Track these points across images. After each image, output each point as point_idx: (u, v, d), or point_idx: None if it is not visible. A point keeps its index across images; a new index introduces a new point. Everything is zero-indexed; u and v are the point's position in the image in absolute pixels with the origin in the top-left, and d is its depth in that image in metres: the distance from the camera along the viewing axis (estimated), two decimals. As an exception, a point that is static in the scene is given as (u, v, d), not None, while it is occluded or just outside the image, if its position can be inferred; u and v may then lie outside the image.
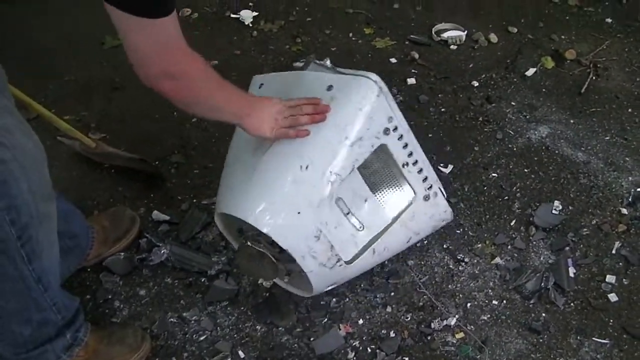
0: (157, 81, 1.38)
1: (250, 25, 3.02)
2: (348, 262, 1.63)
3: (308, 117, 1.55)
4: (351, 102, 1.55)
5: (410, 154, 1.65)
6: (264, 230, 1.52)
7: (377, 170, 1.67)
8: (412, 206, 1.71)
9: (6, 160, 1.27)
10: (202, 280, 1.90)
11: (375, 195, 1.66)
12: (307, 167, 1.53)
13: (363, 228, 1.64)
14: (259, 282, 1.71)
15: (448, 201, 1.86)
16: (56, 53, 2.82)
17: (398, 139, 1.61)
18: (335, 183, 1.54)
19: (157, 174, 2.23)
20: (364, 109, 1.54)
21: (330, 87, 1.60)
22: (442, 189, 1.79)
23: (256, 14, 3.08)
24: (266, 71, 2.71)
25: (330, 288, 1.73)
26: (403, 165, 1.65)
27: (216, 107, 1.52)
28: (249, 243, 1.58)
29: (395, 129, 1.60)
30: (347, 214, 1.60)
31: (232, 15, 3.08)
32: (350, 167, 1.55)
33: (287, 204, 1.53)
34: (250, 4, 3.15)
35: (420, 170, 1.69)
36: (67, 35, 2.94)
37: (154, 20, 1.27)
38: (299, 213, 1.52)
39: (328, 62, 1.73)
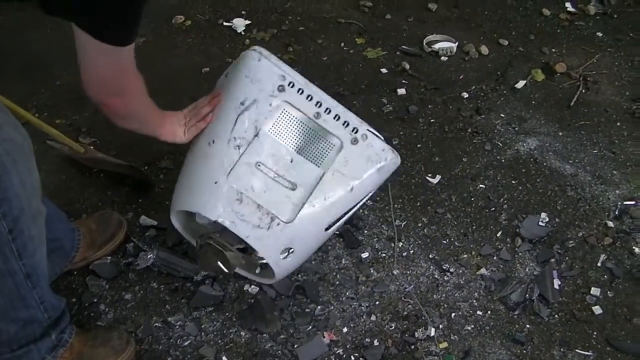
0: (107, 98, 1.50)
1: (243, 33, 3.03)
2: (287, 222, 1.64)
3: (207, 105, 1.73)
4: (239, 73, 1.70)
5: (319, 104, 1.67)
6: (193, 210, 1.68)
7: (298, 131, 1.69)
8: (342, 153, 1.67)
9: None
10: (188, 285, 1.91)
11: (302, 155, 1.68)
12: (213, 142, 1.68)
13: (296, 187, 1.66)
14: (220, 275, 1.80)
15: (392, 146, 1.78)
16: (50, 59, 2.81)
17: (299, 92, 1.68)
18: (242, 147, 1.64)
19: (145, 181, 2.23)
20: (249, 75, 1.68)
21: (227, 73, 1.80)
22: (375, 132, 1.72)
23: (249, 22, 3.09)
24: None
25: (290, 260, 1.69)
26: (315, 116, 1.67)
27: (144, 120, 1.69)
28: (201, 242, 1.69)
29: (292, 84, 1.67)
30: (275, 177, 1.65)
31: (225, 23, 3.09)
32: (253, 129, 1.65)
33: (205, 179, 1.66)
34: (243, 12, 3.17)
35: (337, 117, 1.67)
36: (60, 42, 2.93)
37: (121, 49, 1.36)
38: (215, 183, 1.64)
39: None
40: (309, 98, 1.67)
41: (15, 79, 2.69)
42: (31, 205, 1.41)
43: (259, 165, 1.65)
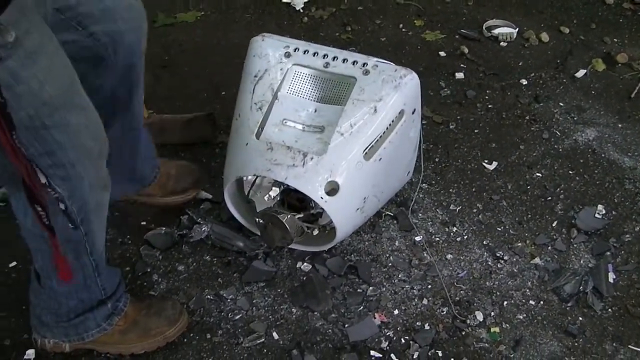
0: None
1: (301, 10, 3.03)
2: (319, 154, 1.73)
3: None
4: (249, 56, 1.89)
5: (325, 56, 1.82)
6: (234, 177, 1.82)
7: (313, 85, 1.84)
8: (357, 84, 1.77)
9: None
10: (241, 260, 1.93)
11: (323, 102, 1.82)
12: (239, 115, 1.85)
13: (324, 129, 1.77)
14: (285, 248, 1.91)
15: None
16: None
17: (304, 53, 1.84)
18: (264, 107, 1.80)
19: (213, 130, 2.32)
20: (256, 53, 1.87)
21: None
22: (385, 61, 1.83)
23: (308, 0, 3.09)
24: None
25: (339, 200, 1.75)
26: (325, 66, 1.81)
27: None
28: (260, 219, 1.80)
29: (296, 49, 1.84)
30: (303, 128, 1.79)
31: (284, 0, 3.09)
32: (270, 92, 1.81)
33: (237, 146, 1.82)
34: (303, -11, 3.16)
35: (345, 60, 1.80)
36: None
37: None
38: (247, 144, 1.78)
39: None
40: (315, 54, 1.83)
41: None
42: (97, 199, 1.44)
43: (285, 122, 1.79)
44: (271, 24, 2.94)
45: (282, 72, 1.83)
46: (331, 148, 1.72)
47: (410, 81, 1.79)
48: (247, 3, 3.08)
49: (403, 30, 2.93)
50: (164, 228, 2.00)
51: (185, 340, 1.73)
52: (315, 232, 1.90)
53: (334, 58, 1.81)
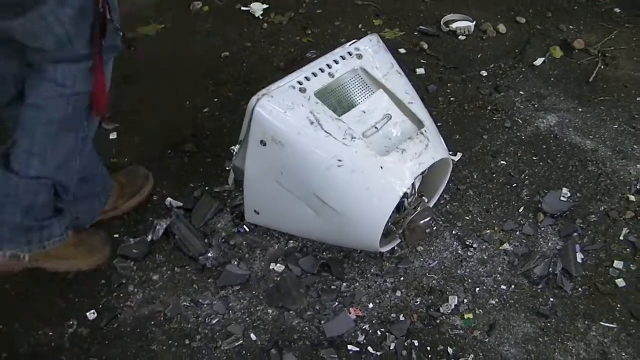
0: None
1: (261, 17, 3.05)
2: (421, 126, 1.85)
3: None
4: (273, 120, 1.73)
5: (321, 70, 1.82)
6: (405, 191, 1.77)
7: (338, 97, 1.85)
8: (366, 69, 1.88)
9: None
10: (200, 264, 1.95)
11: (362, 102, 1.85)
12: (340, 161, 1.72)
13: (390, 116, 1.84)
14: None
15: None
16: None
17: (307, 82, 1.78)
18: (348, 141, 1.73)
19: None
20: (276, 115, 1.72)
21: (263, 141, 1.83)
22: (351, 42, 1.94)
23: (266, 6, 3.11)
24: (277, 62, 2.75)
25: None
26: (331, 76, 1.82)
27: None
28: (403, 228, 1.83)
29: (302, 89, 1.76)
30: (377, 128, 1.80)
31: (243, 8, 3.11)
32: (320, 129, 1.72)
33: (370, 176, 1.74)
34: (262, -5, 3.18)
35: (336, 62, 1.86)
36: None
37: None
38: (382, 168, 1.74)
39: None
40: (314, 75, 1.80)
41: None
42: None
43: (366, 136, 1.77)
44: (232, 32, 2.96)
45: (308, 106, 1.73)
46: (421, 115, 1.87)
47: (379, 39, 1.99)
48: (207, 13, 3.09)
49: (362, 30, 2.96)
50: (132, 240, 2.00)
51: (164, 347, 1.74)
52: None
53: (328, 65, 1.83)
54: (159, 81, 2.67)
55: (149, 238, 2.00)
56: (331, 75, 1.82)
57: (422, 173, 1.81)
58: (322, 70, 1.82)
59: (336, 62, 1.86)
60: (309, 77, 1.79)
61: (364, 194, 1.71)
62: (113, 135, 2.39)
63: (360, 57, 1.89)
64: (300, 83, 1.76)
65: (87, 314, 1.82)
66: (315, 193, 1.74)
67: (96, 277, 1.92)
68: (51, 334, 1.79)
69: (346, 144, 1.71)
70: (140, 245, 1.98)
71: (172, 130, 2.41)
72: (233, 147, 1.85)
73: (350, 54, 1.89)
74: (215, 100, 2.55)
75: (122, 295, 1.88)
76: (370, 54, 1.91)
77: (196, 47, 2.87)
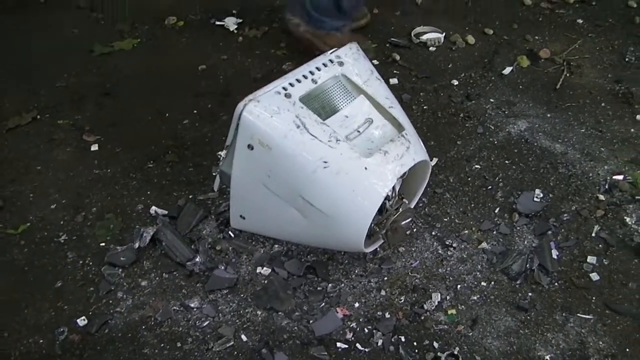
0: None
1: (235, 31, 3.11)
2: (401, 128, 1.91)
3: None
4: (263, 125, 1.78)
5: (303, 77, 1.88)
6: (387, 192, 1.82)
7: (322, 102, 1.91)
8: (346, 74, 1.95)
9: None
10: (189, 269, 1.99)
11: (343, 106, 1.91)
12: (325, 163, 1.77)
13: (372, 120, 1.90)
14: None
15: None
16: (47, 61, 2.88)
17: (291, 86, 1.84)
18: (334, 143, 1.79)
19: None
20: (263, 120, 1.77)
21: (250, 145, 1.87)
22: (331, 51, 2.01)
23: (240, 20, 3.16)
24: (253, 74, 2.80)
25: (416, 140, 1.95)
26: (314, 82, 1.89)
27: None
28: (385, 228, 1.87)
29: (287, 95, 1.81)
30: (360, 131, 1.86)
31: (217, 23, 3.16)
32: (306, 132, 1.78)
33: (354, 177, 1.78)
34: (234, 11, 3.23)
35: (318, 68, 1.92)
36: (57, 44, 3.00)
37: None
38: (366, 169, 1.78)
39: None
40: (298, 81, 1.86)
41: (14, 81, 2.75)
42: None
43: (350, 138, 1.83)
44: (207, 46, 3.01)
45: (293, 111, 1.78)
46: (401, 119, 1.94)
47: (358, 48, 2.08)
48: (181, 28, 3.14)
49: (336, 42, 3.03)
50: (119, 248, 2.03)
51: (156, 351, 1.77)
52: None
53: (310, 72, 1.89)
54: (137, 94, 2.70)
55: (136, 245, 2.02)
56: (314, 81, 1.88)
57: (402, 176, 1.88)
58: (305, 77, 1.88)
59: (318, 68, 1.92)
60: (293, 83, 1.84)
61: (349, 194, 1.77)
62: (94, 147, 2.41)
63: (341, 64, 1.96)
64: (285, 89, 1.82)
65: (77, 320, 1.84)
66: (302, 195, 1.79)
67: (84, 284, 1.94)
68: (41, 341, 1.80)
69: (331, 146, 1.76)
70: (127, 252, 2.01)
71: (153, 141, 2.45)
72: (220, 153, 1.89)
73: (331, 61, 1.95)
74: (195, 111, 2.59)
75: (111, 301, 1.90)
76: (350, 61, 1.98)
77: (173, 61, 2.91)
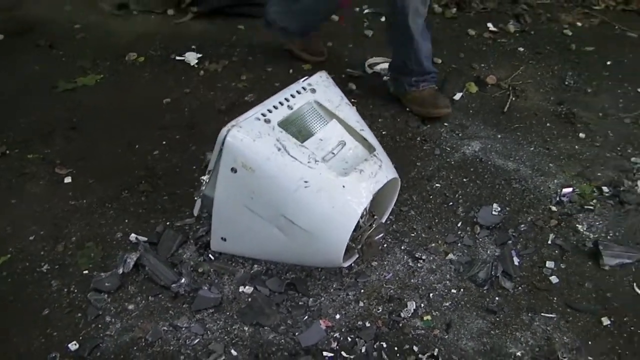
0: None
1: (196, 66, 3.22)
2: (372, 150, 2.06)
3: None
4: (246, 149, 1.90)
5: (279, 103, 2.01)
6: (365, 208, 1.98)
7: (298, 127, 2.03)
8: (318, 101, 2.09)
9: None
10: (173, 292, 2.06)
11: (318, 130, 2.04)
12: (305, 182, 1.90)
13: (344, 142, 2.04)
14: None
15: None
16: (11, 99, 2.93)
17: (271, 112, 1.97)
18: (313, 164, 1.92)
19: None
20: (247, 144, 1.89)
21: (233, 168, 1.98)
22: (303, 79, 2.14)
23: (200, 55, 3.28)
24: (217, 105, 2.91)
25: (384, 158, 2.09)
26: (291, 108, 2.01)
27: None
28: (361, 244, 2.02)
29: (266, 120, 1.94)
30: (334, 153, 2.00)
31: (178, 58, 3.27)
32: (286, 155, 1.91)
33: (331, 195, 1.91)
34: (193, 47, 3.35)
35: (292, 96, 2.05)
36: (19, 81, 3.06)
37: None
38: (344, 187, 1.91)
39: None
40: (275, 107, 1.99)
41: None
42: None
43: (326, 159, 1.95)
44: (169, 80, 3.10)
45: (273, 135, 1.91)
46: (371, 140, 2.10)
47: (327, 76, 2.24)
48: (142, 63, 3.23)
49: (293, 74, 3.17)
50: (103, 274, 2.09)
51: (149, 369, 1.84)
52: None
53: (287, 99, 2.02)
54: (104, 127, 2.78)
55: (120, 271, 2.09)
56: (290, 107, 2.00)
57: (375, 193, 2.01)
58: (281, 103, 2.00)
59: (293, 96, 2.04)
60: (271, 110, 1.96)
61: (329, 210, 1.89)
62: (67, 179, 2.47)
63: (313, 91, 2.09)
64: (264, 115, 1.93)
65: (68, 345, 1.89)
66: (284, 214, 1.90)
67: (72, 311, 1.99)
68: (35, 366, 1.85)
69: (310, 166, 1.89)
70: (111, 278, 2.07)
71: (124, 172, 2.52)
72: (202, 177, 1.99)
73: (304, 88, 2.08)
74: (164, 142, 2.68)
75: (100, 325, 1.96)
76: (321, 89, 2.11)
77: (137, 95, 3.00)
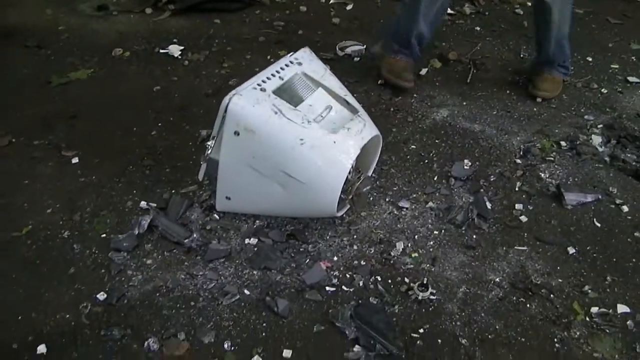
0: None
1: (180, 57, 3.44)
2: (355, 111, 2.32)
3: None
4: (246, 113, 2.14)
5: (272, 75, 2.25)
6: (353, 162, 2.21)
7: (291, 94, 2.26)
8: (305, 72, 2.34)
9: None
10: (187, 247, 2.28)
11: (308, 97, 2.29)
12: (301, 140, 2.12)
13: (331, 107, 2.30)
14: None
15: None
16: (8, 95, 3.11)
17: (266, 82, 2.22)
18: (307, 123, 2.16)
19: None
20: (246, 109, 2.13)
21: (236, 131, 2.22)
22: (290, 55, 2.41)
23: (182, 47, 3.51)
24: (204, 90, 3.14)
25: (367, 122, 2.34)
26: (282, 79, 2.26)
27: None
28: (350, 196, 2.27)
29: (262, 89, 2.18)
30: (323, 116, 2.25)
31: (161, 51, 3.49)
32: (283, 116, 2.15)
33: (323, 153, 2.16)
34: (175, 40, 3.58)
35: (282, 68, 2.30)
36: (13, 79, 3.24)
37: None
38: (334, 142, 2.17)
39: None
40: (268, 78, 2.22)
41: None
42: None
43: (317, 120, 2.20)
44: (157, 70, 3.32)
45: (270, 101, 2.14)
46: (355, 104, 2.35)
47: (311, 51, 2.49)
48: (129, 57, 3.45)
49: (271, 60, 3.40)
50: (121, 235, 2.30)
51: (173, 311, 2.05)
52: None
53: (277, 72, 2.25)
54: (102, 114, 2.98)
55: (136, 232, 2.30)
56: (281, 78, 2.25)
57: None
58: (273, 75, 2.24)
59: (282, 68, 2.29)
60: (265, 80, 2.20)
61: (323, 163, 2.14)
62: (75, 160, 2.67)
63: (300, 64, 2.34)
64: (259, 85, 2.18)
65: (97, 295, 2.10)
66: (283, 169, 2.14)
67: (96, 268, 2.20)
68: (67, 316, 2.03)
69: (304, 126, 2.13)
70: (128, 238, 2.29)
71: (127, 150, 2.73)
72: (207, 142, 2.22)
73: (291, 62, 2.33)
74: (159, 124, 2.90)
75: (123, 278, 2.17)
76: (307, 62, 2.36)
77: (128, 85, 3.21)
